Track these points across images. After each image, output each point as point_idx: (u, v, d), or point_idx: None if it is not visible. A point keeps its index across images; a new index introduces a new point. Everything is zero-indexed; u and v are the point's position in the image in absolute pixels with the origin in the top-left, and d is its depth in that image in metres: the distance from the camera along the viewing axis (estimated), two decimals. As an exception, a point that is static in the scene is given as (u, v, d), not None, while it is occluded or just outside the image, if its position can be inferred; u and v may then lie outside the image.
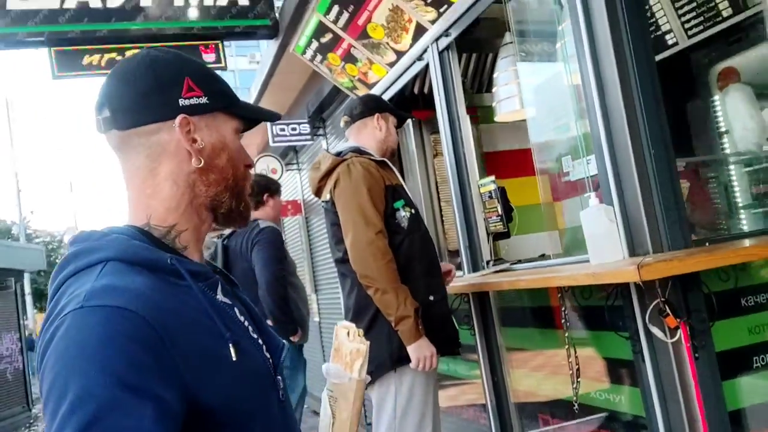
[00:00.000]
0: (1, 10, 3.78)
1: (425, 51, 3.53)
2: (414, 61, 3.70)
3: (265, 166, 6.68)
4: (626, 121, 2.22)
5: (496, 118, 3.50)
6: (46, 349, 0.73)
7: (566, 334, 2.49)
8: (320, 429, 1.04)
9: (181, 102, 0.91)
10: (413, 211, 2.48)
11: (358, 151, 2.56)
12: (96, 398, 0.67)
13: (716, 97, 3.45)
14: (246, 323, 0.93)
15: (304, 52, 4.43)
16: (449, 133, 3.42)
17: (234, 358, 0.81)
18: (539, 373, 3.00)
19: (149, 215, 0.91)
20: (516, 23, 3.01)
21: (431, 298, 2.44)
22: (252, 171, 1.06)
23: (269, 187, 3.52)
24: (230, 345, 0.81)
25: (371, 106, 2.67)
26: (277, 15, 4.50)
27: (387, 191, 2.43)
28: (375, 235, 2.33)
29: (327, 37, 4.09)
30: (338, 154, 2.59)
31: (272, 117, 1.10)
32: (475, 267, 3.34)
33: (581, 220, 2.18)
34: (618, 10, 2.24)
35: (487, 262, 3.29)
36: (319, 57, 4.38)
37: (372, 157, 2.53)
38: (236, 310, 0.93)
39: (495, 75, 3.42)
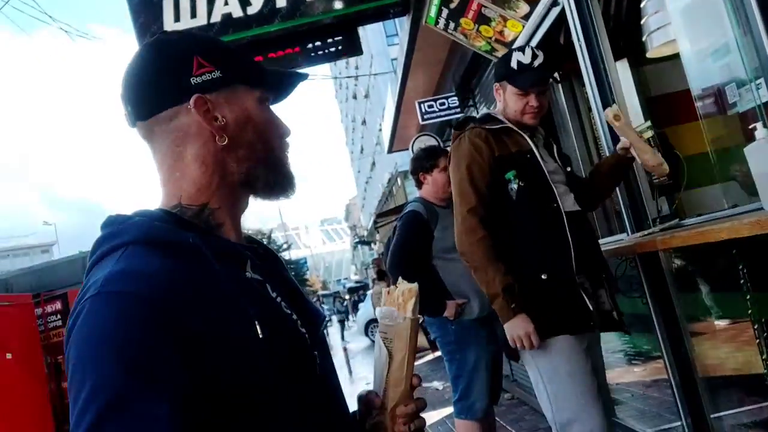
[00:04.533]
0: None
1: (559, -4, 3.19)
2: (549, 8, 3.36)
3: (421, 145, 6.66)
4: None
5: (649, 54, 3.04)
6: (70, 333, 0.75)
7: (747, 298, 2.07)
8: (375, 368, 1.03)
9: (193, 81, 0.88)
10: (521, 183, 2.22)
11: (484, 119, 2.37)
12: (112, 386, 0.68)
13: None
14: (278, 299, 0.89)
15: (436, 23, 4.28)
16: (594, 80, 3.04)
17: (260, 335, 0.79)
18: (728, 343, 2.56)
19: (180, 196, 0.89)
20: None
21: (543, 276, 2.16)
22: (288, 139, 0.98)
23: (423, 166, 3.42)
24: (256, 322, 0.79)
25: (495, 73, 2.45)
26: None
27: (496, 162, 2.23)
28: (467, 212, 2.22)
29: (455, 2, 3.91)
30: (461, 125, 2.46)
31: (294, 77, 1.00)
32: (639, 226, 2.95)
33: (747, 157, 1.78)
34: None
35: (653, 220, 2.89)
36: (452, 24, 4.21)
37: (490, 125, 2.30)
38: (268, 286, 0.89)
39: (642, 4, 2.96)
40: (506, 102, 2.32)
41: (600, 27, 3.02)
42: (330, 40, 4.40)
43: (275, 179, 0.94)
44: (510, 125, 2.31)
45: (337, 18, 4.35)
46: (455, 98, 5.47)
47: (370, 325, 16.32)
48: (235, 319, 0.78)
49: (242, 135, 0.90)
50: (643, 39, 3.00)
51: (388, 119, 7.61)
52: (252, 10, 4.28)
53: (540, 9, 3.42)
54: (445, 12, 4.12)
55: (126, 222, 0.85)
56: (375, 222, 13.06)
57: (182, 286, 0.76)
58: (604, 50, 3.01)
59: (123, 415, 0.67)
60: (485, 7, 3.76)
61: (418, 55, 5.13)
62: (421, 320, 1.02)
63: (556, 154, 2.36)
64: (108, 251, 0.81)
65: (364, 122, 42.75)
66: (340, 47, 4.41)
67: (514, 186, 2.21)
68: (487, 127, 2.29)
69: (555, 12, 3.33)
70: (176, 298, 0.74)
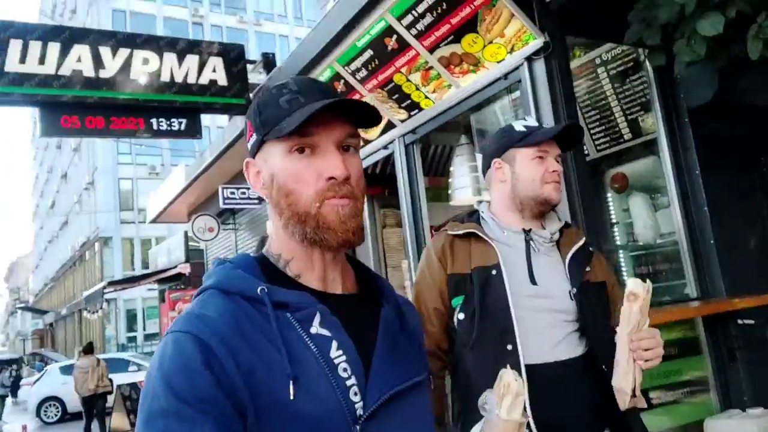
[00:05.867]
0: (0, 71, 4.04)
1: (392, 142, 4.25)
2: (379, 149, 4.40)
3: (202, 224, 7.01)
4: (569, 213, 2.96)
5: (452, 202, 4.25)
6: None
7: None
8: None
9: (249, 146, 0.97)
10: (462, 314, 1.68)
11: (467, 216, 1.84)
12: (164, 415, 0.76)
13: (609, 194, 4.45)
14: (340, 358, 0.86)
15: (274, 130, 4.98)
16: (411, 211, 4.11)
17: (291, 397, 0.80)
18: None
19: (270, 245, 0.97)
20: (476, 126, 3.83)
21: None
22: (329, 182, 0.90)
23: None
24: (290, 382, 0.80)
25: (488, 152, 1.85)
26: (251, 95, 5.06)
27: (449, 284, 1.72)
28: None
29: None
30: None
31: (312, 111, 0.87)
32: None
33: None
34: (562, 122, 3.03)
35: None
36: (288, 135, 4.95)
37: (459, 229, 1.77)
38: (334, 343, 0.86)
39: (451, 168, 4.20)
40: (517, 178, 1.74)
41: (419, 173, 4.13)
42: (174, 120, 4.73)
43: (309, 233, 0.90)
44: (477, 230, 1.74)
45: (187, 103, 4.74)
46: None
47: (44, 404, 14.40)
48: (274, 375, 0.80)
49: (273, 193, 0.93)
50: (449, 191, 4.20)
51: (168, 191, 7.75)
52: (105, 74, 4.38)
53: (371, 147, 4.44)
54: (286, 125, 4.86)
55: (218, 266, 0.93)
56: (103, 293, 12.08)
57: (236, 332, 0.81)
58: (420, 190, 4.11)
59: None
60: (325, 132, 4.63)
61: (240, 146, 5.71)
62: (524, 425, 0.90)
63: (566, 265, 1.72)
64: (200, 291, 0.91)
65: (65, 176, 38.64)
66: (182, 129, 4.76)
67: (459, 316, 1.69)
68: (453, 232, 1.78)
69: (383, 154, 4.39)
70: (227, 344, 0.80)
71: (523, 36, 3.01)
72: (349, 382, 0.84)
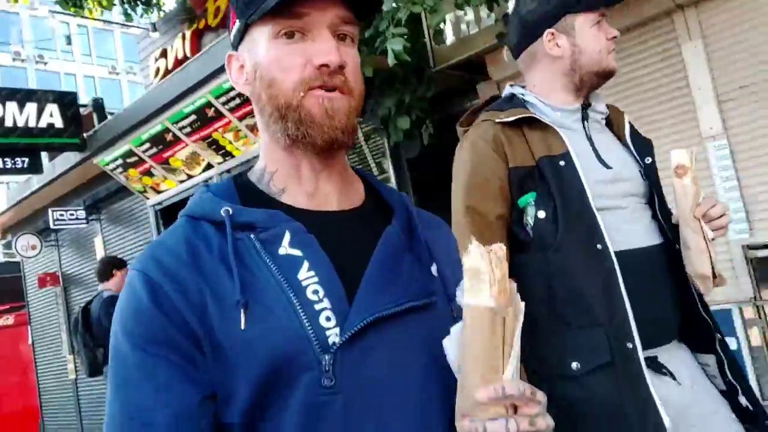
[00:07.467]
0: None
1: (211, 178, 5.63)
2: (201, 183, 5.74)
3: (25, 242, 7.60)
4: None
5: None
6: None
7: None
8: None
9: (233, 38, 0.86)
10: (545, 212, 1.38)
11: (505, 102, 1.54)
12: (123, 363, 0.73)
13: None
14: (309, 281, 0.74)
15: (107, 165, 6.04)
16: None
17: (242, 326, 0.71)
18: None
19: (259, 161, 0.87)
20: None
21: (574, 365, 1.32)
22: (327, 69, 0.78)
23: (116, 264, 4.90)
24: (242, 310, 0.71)
25: (533, 20, 1.52)
26: (85, 135, 6.04)
27: (511, 178, 1.42)
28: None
29: (132, 159, 5.84)
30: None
31: None
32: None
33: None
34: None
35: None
36: (120, 169, 6.05)
37: (505, 116, 1.46)
38: (305, 264, 0.75)
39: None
40: (580, 51, 1.48)
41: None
42: (17, 159, 5.55)
43: (291, 129, 0.79)
44: (533, 113, 1.46)
45: (27, 144, 5.60)
46: (83, 212, 6.98)
47: None
48: (224, 304, 0.73)
49: (256, 86, 0.82)
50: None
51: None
52: (-47, 121, 5.14)
53: (194, 181, 5.76)
54: (119, 161, 5.95)
55: (198, 191, 0.85)
56: None
57: (186, 265, 0.74)
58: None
59: (132, 388, 0.71)
60: (155, 168, 5.84)
61: (66, 177, 6.58)
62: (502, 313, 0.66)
63: (629, 139, 1.55)
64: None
65: None
66: (25, 166, 5.59)
67: (530, 219, 1.40)
68: (499, 120, 1.46)
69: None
70: (173, 279, 0.73)
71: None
72: (318, 306, 0.73)
